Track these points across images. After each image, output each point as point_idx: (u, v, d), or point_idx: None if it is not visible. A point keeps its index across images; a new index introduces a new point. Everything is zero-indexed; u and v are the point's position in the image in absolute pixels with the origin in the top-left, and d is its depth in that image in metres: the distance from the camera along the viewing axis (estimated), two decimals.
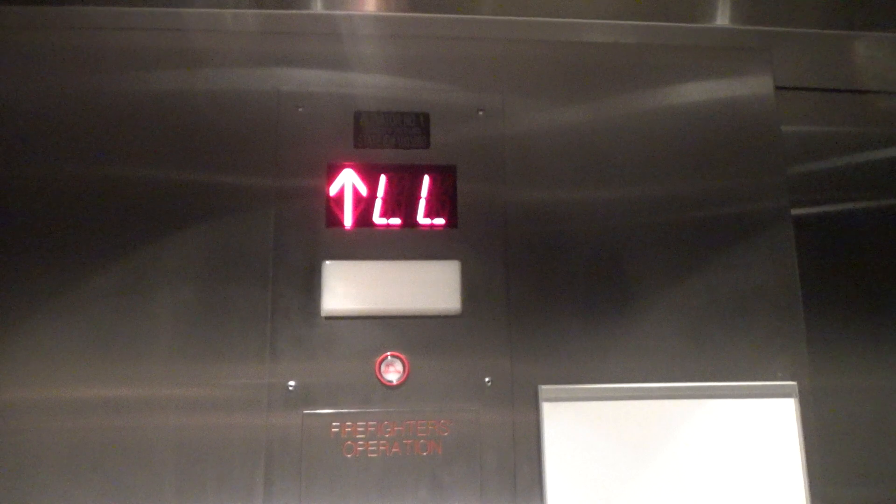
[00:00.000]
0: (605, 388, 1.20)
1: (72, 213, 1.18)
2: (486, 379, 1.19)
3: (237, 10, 1.27)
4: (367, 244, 1.21)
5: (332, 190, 1.23)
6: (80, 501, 1.08)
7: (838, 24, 1.42)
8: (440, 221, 1.24)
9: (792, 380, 1.24)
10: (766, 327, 1.26)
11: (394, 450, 1.14)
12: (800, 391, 1.22)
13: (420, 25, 1.32)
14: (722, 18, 1.39)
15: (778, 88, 1.37)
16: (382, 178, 1.24)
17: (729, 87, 1.36)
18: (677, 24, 1.37)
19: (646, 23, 1.36)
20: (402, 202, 1.24)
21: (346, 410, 1.15)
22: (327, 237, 1.21)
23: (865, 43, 1.43)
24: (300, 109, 1.25)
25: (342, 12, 1.30)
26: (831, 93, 1.45)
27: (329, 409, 1.15)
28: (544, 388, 1.19)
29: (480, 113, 1.29)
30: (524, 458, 1.16)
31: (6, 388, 1.11)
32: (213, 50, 1.26)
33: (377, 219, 1.23)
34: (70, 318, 1.13)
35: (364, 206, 1.23)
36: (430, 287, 1.20)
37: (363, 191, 1.23)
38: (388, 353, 1.18)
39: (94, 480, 1.09)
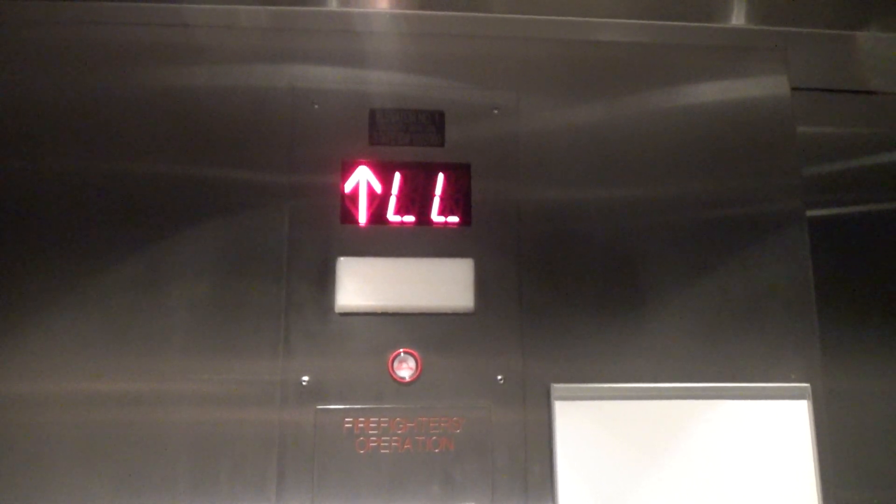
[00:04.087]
0: (617, 388, 1.20)
1: (87, 208, 1.18)
2: (499, 377, 1.19)
3: (252, 7, 1.28)
4: (381, 241, 1.21)
5: (347, 187, 1.23)
6: (95, 494, 1.08)
7: (855, 25, 1.42)
8: (454, 219, 1.24)
9: (805, 381, 1.23)
10: (779, 328, 1.25)
11: (406, 446, 1.15)
12: (813, 393, 1.22)
13: (435, 23, 1.32)
14: (737, 18, 1.39)
15: (793, 89, 1.36)
16: (397, 176, 1.24)
17: (744, 88, 1.36)
18: (692, 24, 1.37)
19: (661, 22, 1.36)
20: (416, 199, 1.24)
21: (358, 406, 1.15)
22: (341, 234, 1.21)
23: (882, 44, 1.42)
24: (315, 106, 1.25)
25: (357, 9, 1.30)
26: (847, 94, 1.44)
27: (342, 404, 1.15)
28: (556, 387, 1.19)
29: (495, 111, 1.29)
30: (536, 457, 1.16)
31: (21, 380, 1.11)
32: (228, 46, 1.27)
33: (391, 216, 1.23)
34: (85, 313, 1.14)
35: (378, 203, 1.23)
36: (444, 284, 1.20)
37: (378, 188, 1.24)
38: (401, 350, 1.18)
39: (108, 474, 1.09)
